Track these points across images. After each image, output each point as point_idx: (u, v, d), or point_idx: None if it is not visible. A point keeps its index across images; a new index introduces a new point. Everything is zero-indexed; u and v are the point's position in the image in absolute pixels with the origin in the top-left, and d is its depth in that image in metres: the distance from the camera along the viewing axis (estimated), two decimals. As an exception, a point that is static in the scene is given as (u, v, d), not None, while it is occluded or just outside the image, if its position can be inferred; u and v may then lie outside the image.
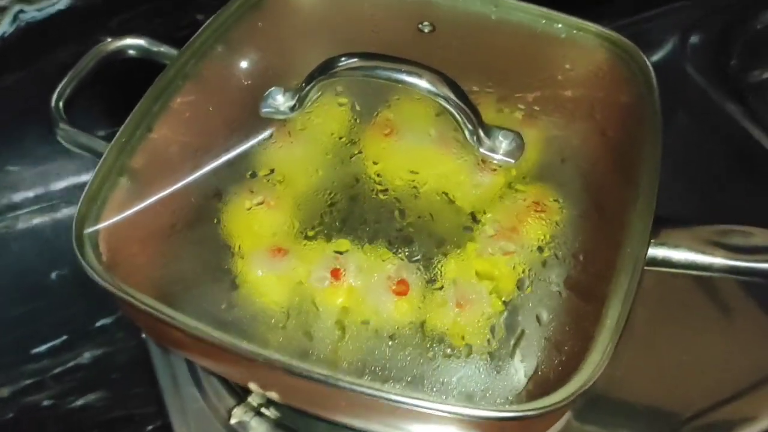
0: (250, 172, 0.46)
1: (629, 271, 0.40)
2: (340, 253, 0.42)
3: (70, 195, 0.74)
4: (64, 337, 0.68)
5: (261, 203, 0.44)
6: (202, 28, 0.52)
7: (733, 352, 0.56)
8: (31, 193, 0.73)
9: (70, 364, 0.67)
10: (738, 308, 0.58)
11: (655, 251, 0.42)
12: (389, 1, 0.54)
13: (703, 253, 0.42)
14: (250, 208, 0.44)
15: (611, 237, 0.43)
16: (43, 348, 0.67)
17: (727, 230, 0.44)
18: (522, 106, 0.48)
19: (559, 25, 0.52)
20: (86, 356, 0.68)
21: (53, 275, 0.71)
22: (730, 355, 0.56)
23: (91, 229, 0.44)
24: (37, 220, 0.74)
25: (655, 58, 0.75)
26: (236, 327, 0.42)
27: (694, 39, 0.76)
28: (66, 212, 0.75)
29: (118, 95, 0.66)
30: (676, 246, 0.43)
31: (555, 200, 0.45)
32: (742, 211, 0.62)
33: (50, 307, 0.69)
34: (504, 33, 0.52)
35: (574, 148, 0.48)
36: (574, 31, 0.52)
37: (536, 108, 0.49)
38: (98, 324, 0.69)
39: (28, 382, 0.66)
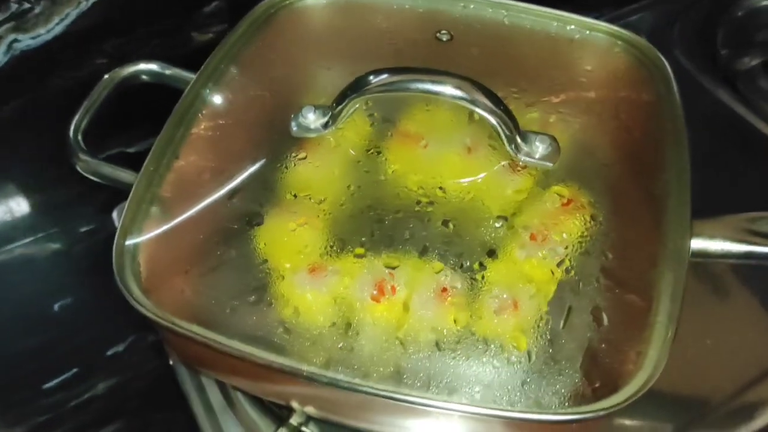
0: (290, 193, 0.45)
1: (675, 265, 0.41)
2: (392, 268, 0.42)
3: (64, 224, 0.72)
4: (75, 370, 0.66)
5: (304, 224, 0.44)
6: (214, 50, 0.51)
7: (750, 335, 0.57)
8: (25, 223, 0.71)
9: (85, 396, 0.66)
10: (744, 294, 0.60)
11: (692, 243, 0.43)
12: (401, 12, 0.53)
13: (739, 242, 0.43)
14: (294, 229, 0.44)
15: (649, 233, 0.44)
16: (54, 382, 0.65)
17: (756, 217, 0.45)
18: (549, 110, 0.49)
19: (572, 27, 0.52)
20: (100, 387, 0.66)
21: (56, 306, 0.69)
22: (747, 339, 0.57)
23: (129, 260, 0.43)
24: (32, 250, 0.72)
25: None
26: (287, 348, 0.42)
27: (678, 28, 0.78)
28: (62, 241, 0.73)
29: (118, 114, 0.65)
30: (711, 236, 0.44)
31: (590, 200, 0.46)
32: (746, 194, 0.64)
33: (57, 339, 0.68)
34: (520, 38, 0.52)
35: (603, 148, 0.49)
36: (587, 32, 0.52)
37: (562, 110, 0.50)
38: (109, 353, 0.68)
39: (42, 418, 0.64)
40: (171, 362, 0.56)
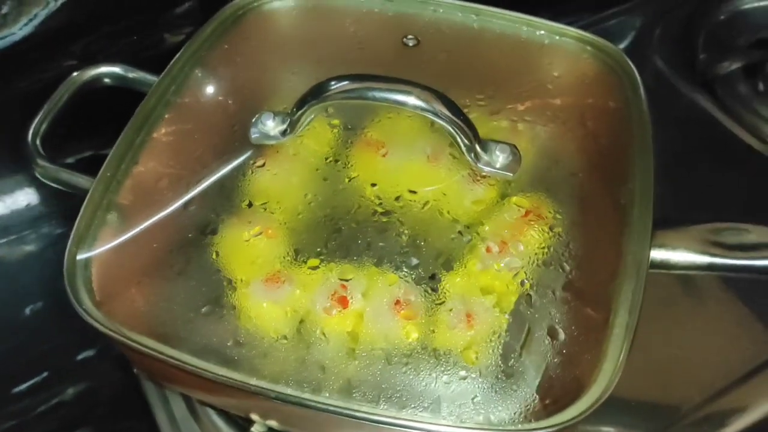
0: (245, 202, 0.45)
1: (634, 276, 0.41)
2: (346, 280, 0.41)
3: (37, 225, 0.72)
4: (45, 374, 0.65)
5: (260, 234, 0.43)
6: (179, 53, 0.50)
7: (719, 345, 0.57)
8: (-1, 225, 0.71)
9: (53, 401, 0.65)
10: (718, 302, 0.59)
11: (654, 254, 0.43)
12: (371, 15, 0.53)
13: (702, 253, 0.43)
14: (248, 240, 0.43)
15: (612, 243, 0.43)
16: (23, 387, 0.65)
17: (721, 228, 0.44)
18: (514, 117, 0.48)
19: (542, 32, 0.52)
20: (69, 392, 0.65)
21: (27, 310, 0.69)
22: (717, 349, 0.57)
23: (82, 269, 0.42)
24: (3, 253, 0.71)
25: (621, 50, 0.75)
26: (242, 361, 0.41)
27: (658, 32, 0.77)
28: (34, 243, 0.72)
29: (84, 119, 0.64)
30: (673, 247, 0.43)
31: (552, 210, 0.45)
32: (720, 201, 0.63)
33: (27, 343, 0.67)
34: (488, 43, 0.52)
35: (568, 157, 0.48)
36: (557, 37, 0.52)
37: (528, 118, 0.49)
38: (79, 357, 0.67)
39: (9, 424, 0.63)
40: (135, 371, 0.55)
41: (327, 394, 0.39)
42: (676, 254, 0.43)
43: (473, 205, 0.45)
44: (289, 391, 0.37)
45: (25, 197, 0.71)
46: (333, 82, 0.42)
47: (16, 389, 0.64)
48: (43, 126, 0.47)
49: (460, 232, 0.46)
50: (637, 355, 0.53)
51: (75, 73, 0.50)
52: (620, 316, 0.40)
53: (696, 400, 0.54)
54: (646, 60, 0.76)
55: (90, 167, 0.47)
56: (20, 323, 0.67)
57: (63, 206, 0.71)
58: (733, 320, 0.59)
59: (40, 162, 0.47)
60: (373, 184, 0.45)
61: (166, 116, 0.48)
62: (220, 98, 0.51)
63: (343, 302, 0.40)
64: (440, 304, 0.42)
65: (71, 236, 0.42)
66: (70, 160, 0.68)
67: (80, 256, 0.42)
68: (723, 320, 0.59)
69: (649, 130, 0.46)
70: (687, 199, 0.65)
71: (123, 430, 0.64)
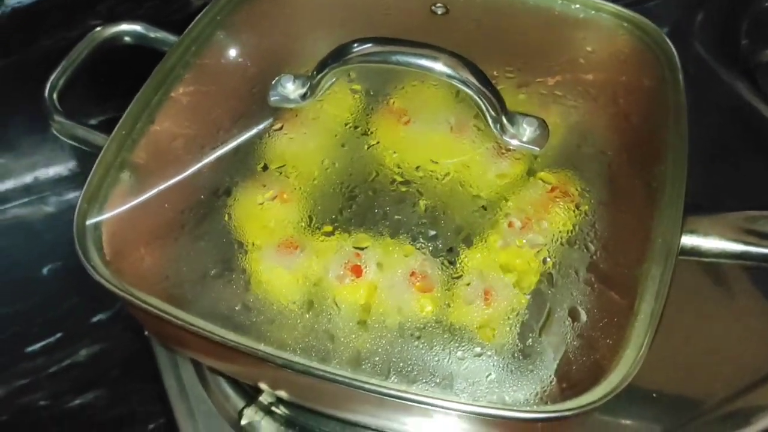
0: (261, 165, 0.43)
1: (662, 262, 0.39)
2: (360, 249, 0.40)
3: (59, 186, 0.72)
4: (59, 335, 0.66)
5: (274, 198, 0.42)
6: (201, 13, 0.49)
7: (747, 341, 0.55)
8: (19, 185, 0.71)
9: (66, 362, 0.65)
10: (748, 296, 0.57)
11: (684, 240, 0.41)
12: (399, -20, 0.51)
13: (735, 241, 0.41)
14: (262, 203, 0.42)
15: (640, 226, 0.42)
16: (37, 346, 0.65)
17: (756, 216, 0.42)
18: (544, 91, 0.46)
19: (577, 6, 0.50)
20: (83, 353, 0.65)
21: (45, 270, 0.69)
22: (744, 344, 0.55)
23: (92, 228, 0.41)
24: (25, 213, 0.71)
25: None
26: (250, 327, 0.40)
27: (701, 17, 0.75)
28: (56, 204, 0.72)
29: (109, 81, 0.63)
30: (706, 234, 0.41)
31: (579, 189, 0.43)
32: (756, 190, 0.61)
33: (43, 303, 0.67)
34: (520, 14, 0.50)
35: (598, 135, 0.46)
36: (593, 12, 0.50)
37: (558, 93, 0.47)
38: (94, 320, 0.67)
39: (22, 382, 0.63)
40: (146, 334, 0.54)
41: (336, 364, 0.38)
42: (708, 241, 0.41)
43: (497, 179, 0.44)
44: (296, 359, 0.35)
45: (47, 159, 0.71)
46: (356, 45, 0.40)
47: (29, 348, 0.64)
48: (61, 81, 0.47)
49: (482, 207, 0.44)
50: (661, 345, 0.51)
51: (96, 30, 0.49)
52: (646, 302, 0.38)
53: (720, 396, 0.53)
54: (687, 45, 0.73)
55: (112, 128, 0.46)
56: (37, 283, 0.67)
57: (84, 169, 0.70)
58: (762, 315, 0.57)
59: (57, 118, 0.46)
60: (394, 153, 0.44)
61: (185, 77, 0.47)
62: (240, 60, 0.49)
63: (357, 271, 0.39)
64: (457, 278, 0.40)
65: (82, 194, 0.41)
66: (92, 122, 0.67)
67: (91, 215, 0.42)
68: (752, 315, 0.57)
69: (684, 112, 0.44)
70: (722, 186, 0.63)
71: (134, 392, 0.64)
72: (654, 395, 0.53)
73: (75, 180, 0.72)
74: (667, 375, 0.54)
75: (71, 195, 0.72)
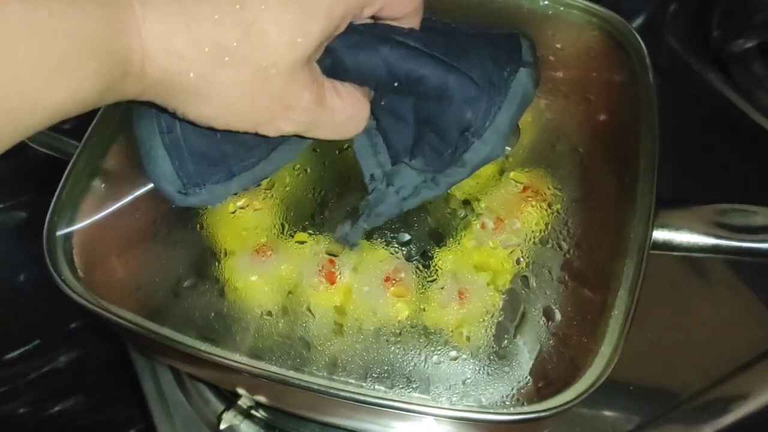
0: (233, 172, 0.43)
1: (634, 257, 0.39)
2: (334, 255, 0.40)
3: (34, 192, 0.71)
4: (37, 341, 0.65)
5: (246, 205, 0.42)
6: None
7: (724, 330, 0.55)
8: (-6, 191, 0.70)
9: (45, 368, 0.65)
10: (726, 286, 0.58)
11: (657, 234, 0.41)
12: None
13: (707, 234, 0.41)
14: (234, 211, 0.42)
15: (613, 222, 0.42)
16: (15, 353, 0.64)
17: (727, 209, 0.43)
18: None
19: (546, 2, 0.50)
20: (62, 360, 0.65)
21: (22, 276, 0.68)
22: (722, 334, 0.55)
23: (62, 239, 0.41)
24: (1, 219, 0.70)
25: (636, 28, 0.73)
26: (225, 335, 0.40)
27: (673, 9, 0.75)
28: (31, 210, 0.71)
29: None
30: (678, 228, 0.42)
31: (552, 187, 0.44)
32: (730, 182, 0.61)
33: (21, 310, 0.67)
34: (490, 10, 0.50)
35: (569, 132, 0.46)
36: (561, 8, 0.49)
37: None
38: (72, 326, 0.67)
39: (1, 390, 0.63)
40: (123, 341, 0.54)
41: (312, 370, 0.38)
42: (680, 235, 0.42)
43: (469, 179, 0.44)
44: (272, 368, 0.35)
45: (22, 163, 0.70)
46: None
47: (8, 356, 0.64)
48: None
49: (454, 208, 0.45)
50: (638, 338, 0.52)
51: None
52: (619, 299, 0.39)
53: (697, 386, 0.53)
54: (659, 38, 0.73)
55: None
56: (14, 289, 0.67)
57: (60, 173, 0.70)
58: (739, 306, 0.57)
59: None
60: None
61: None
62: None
63: (331, 277, 0.39)
64: (432, 281, 0.40)
65: (52, 205, 0.40)
66: (66, 126, 0.66)
67: (61, 226, 0.41)
68: (728, 305, 0.57)
69: (654, 107, 0.44)
70: (696, 178, 0.64)
71: (114, 398, 0.64)
72: (631, 387, 0.53)
73: (50, 185, 0.71)
74: (644, 367, 0.54)
75: (46, 201, 0.71)
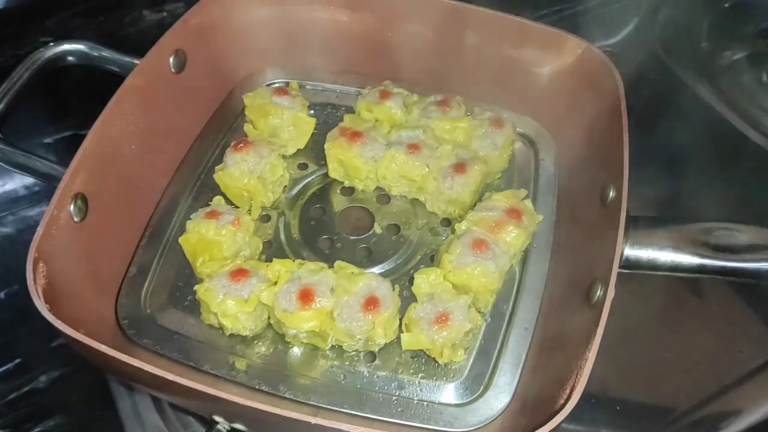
0: (210, 194, 0.43)
1: (608, 277, 0.38)
2: (310, 272, 0.39)
3: (14, 208, 0.70)
4: (18, 360, 0.64)
5: (225, 225, 0.41)
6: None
7: (713, 348, 0.55)
8: (-23, 208, 0.69)
9: (26, 388, 0.63)
10: (712, 304, 0.57)
11: (639, 253, 0.40)
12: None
13: (691, 254, 0.41)
14: (214, 232, 0.41)
15: (591, 240, 0.41)
16: (-4, 372, 0.63)
17: (712, 228, 0.42)
18: (492, 106, 0.46)
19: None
20: (42, 379, 0.64)
21: (2, 294, 0.67)
22: (711, 352, 0.55)
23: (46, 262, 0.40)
24: (-21, 239, 0.69)
25: (624, 38, 0.73)
26: (202, 354, 0.40)
27: (662, 19, 0.74)
28: (12, 224, 0.70)
29: (61, 99, 0.62)
30: (661, 247, 0.41)
31: (530, 206, 0.43)
32: (717, 195, 0.61)
33: (1, 327, 0.65)
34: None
35: (546, 148, 0.46)
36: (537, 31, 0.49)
37: (506, 106, 0.47)
38: (53, 344, 0.65)
39: (-20, 411, 0.62)
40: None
41: (289, 393, 0.37)
42: (664, 254, 0.41)
43: (448, 200, 0.43)
44: (247, 402, 0.33)
45: (3, 180, 0.69)
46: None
47: (-12, 375, 0.63)
48: (1, 105, 0.45)
49: (434, 226, 0.44)
50: (628, 357, 0.52)
51: (37, 51, 0.47)
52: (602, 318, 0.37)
53: (687, 404, 0.52)
54: (648, 49, 0.73)
55: (69, 147, 0.44)
56: (-5, 307, 0.66)
57: (40, 188, 0.69)
58: (727, 325, 0.57)
59: (-4, 144, 0.44)
60: (343, 171, 0.43)
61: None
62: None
63: (309, 298, 0.38)
64: (415, 302, 0.40)
65: (35, 240, 0.39)
66: (48, 140, 0.66)
67: (46, 250, 0.40)
68: (717, 324, 0.57)
69: (625, 125, 0.43)
70: (684, 190, 0.63)
71: (95, 419, 0.62)
72: (621, 405, 0.53)
73: (31, 199, 0.70)
74: (634, 385, 0.53)
75: (26, 217, 0.70)
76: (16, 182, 0.70)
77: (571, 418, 0.50)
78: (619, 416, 0.52)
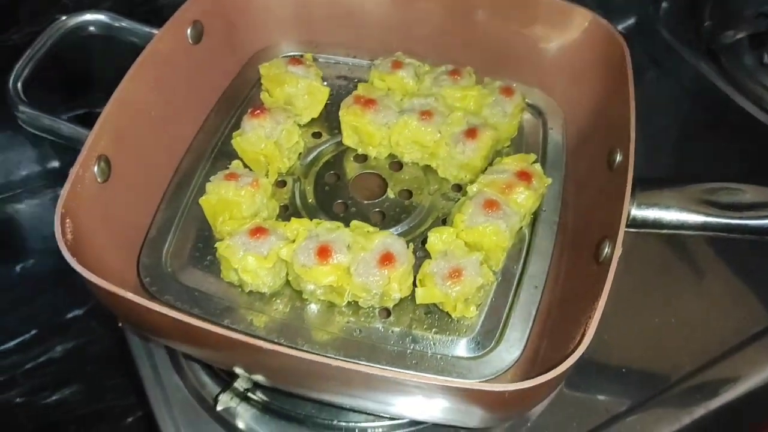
0: (227, 161, 0.44)
1: (616, 234, 0.39)
2: (327, 231, 0.40)
3: (31, 184, 0.71)
4: (34, 331, 0.65)
5: (245, 185, 0.42)
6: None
7: (714, 314, 0.56)
8: (-11, 183, 0.70)
9: (42, 358, 0.65)
10: (715, 271, 0.58)
11: (646, 213, 0.41)
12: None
13: (695, 212, 0.42)
14: (233, 191, 0.42)
15: (600, 200, 0.42)
16: (11, 344, 0.64)
17: (716, 188, 0.43)
18: (501, 77, 0.48)
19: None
20: (58, 350, 0.65)
21: (18, 268, 0.68)
22: (711, 318, 0.55)
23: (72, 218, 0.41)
24: (-5, 209, 0.71)
25: (629, 20, 0.74)
26: (222, 312, 0.41)
27: (666, 1, 0.75)
28: (28, 202, 0.71)
29: (77, 77, 0.63)
30: (667, 207, 0.42)
31: (539, 169, 0.44)
32: (719, 168, 0.62)
33: (17, 301, 0.67)
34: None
35: (554, 118, 0.47)
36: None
37: (515, 78, 0.48)
38: (69, 315, 0.67)
39: (-2, 379, 0.63)
40: (120, 325, 0.54)
41: (307, 346, 0.38)
42: (670, 213, 0.42)
43: (459, 165, 0.45)
44: (267, 345, 0.35)
45: (17, 156, 0.70)
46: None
47: (4, 346, 0.64)
48: (25, 72, 0.46)
49: (446, 188, 0.45)
50: (630, 323, 0.53)
51: (60, 19, 0.48)
52: (609, 275, 0.38)
53: (687, 369, 0.53)
54: (653, 29, 0.74)
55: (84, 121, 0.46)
56: (11, 281, 0.67)
57: (55, 165, 0.70)
58: (728, 291, 0.58)
59: (22, 108, 0.45)
60: (357, 136, 0.44)
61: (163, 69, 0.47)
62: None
63: (327, 254, 0.39)
64: (430, 258, 0.41)
65: (66, 184, 0.40)
66: (63, 117, 0.67)
67: (72, 206, 0.41)
68: (717, 290, 0.58)
69: (631, 93, 0.44)
70: (687, 164, 0.64)
71: (110, 387, 0.64)
72: (623, 370, 0.54)
73: (47, 177, 0.71)
74: (636, 350, 0.54)
75: (41, 193, 0.72)
76: (32, 162, 0.71)
77: (574, 385, 0.52)
78: (624, 380, 0.53)
